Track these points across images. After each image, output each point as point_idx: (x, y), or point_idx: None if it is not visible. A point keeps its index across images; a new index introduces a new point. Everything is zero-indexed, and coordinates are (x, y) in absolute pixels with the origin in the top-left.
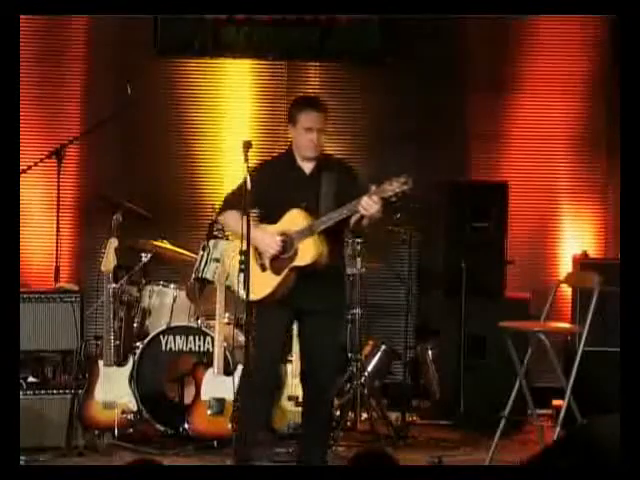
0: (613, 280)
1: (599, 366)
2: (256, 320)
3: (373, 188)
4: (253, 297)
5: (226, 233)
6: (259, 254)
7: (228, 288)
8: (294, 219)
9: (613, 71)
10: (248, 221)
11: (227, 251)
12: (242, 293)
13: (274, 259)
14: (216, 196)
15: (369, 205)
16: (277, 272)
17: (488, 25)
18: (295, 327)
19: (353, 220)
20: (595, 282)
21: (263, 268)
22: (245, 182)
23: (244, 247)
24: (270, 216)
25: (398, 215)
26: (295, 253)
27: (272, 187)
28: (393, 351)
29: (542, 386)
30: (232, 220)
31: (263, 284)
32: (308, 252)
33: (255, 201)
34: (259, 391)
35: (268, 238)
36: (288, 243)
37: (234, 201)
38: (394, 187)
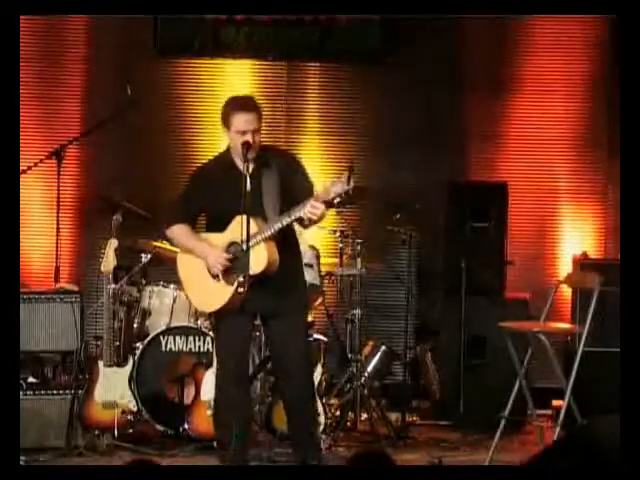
0: (613, 280)
1: (599, 366)
2: (216, 331)
3: (317, 191)
4: (209, 308)
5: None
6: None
7: None
8: (242, 226)
9: (613, 71)
10: (248, 221)
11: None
12: (196, 304)
13: (225, 269)
14: None
15: (314, 211)
16: (230, 282)
17: (487, 25)
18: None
19: (303, 224)
20: (595, 282)
21: (216, 278)
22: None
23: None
24: (217, 221)
25: (398, 215)
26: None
27: (213, 191)
28: (393, 351)
29: (542, 386)
30: (179, 235)
31: (217, 295)
32: (259, 261)
33: (197, 208)
34: (230, 405)
35: (213, 255)
36: (237, 252)
37: (179, 212)
38: (337, 189)
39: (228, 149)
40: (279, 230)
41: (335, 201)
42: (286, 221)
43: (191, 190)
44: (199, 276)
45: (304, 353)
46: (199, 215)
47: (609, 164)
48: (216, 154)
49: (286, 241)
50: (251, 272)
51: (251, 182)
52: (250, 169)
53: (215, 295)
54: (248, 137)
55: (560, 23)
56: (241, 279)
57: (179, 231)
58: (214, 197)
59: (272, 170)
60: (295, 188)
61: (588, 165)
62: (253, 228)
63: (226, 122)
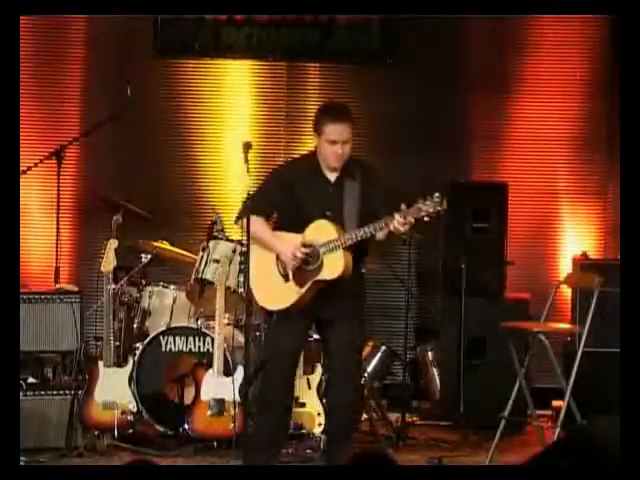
0: (613, 281)
1: (599, 366)
2: (273, 329)
3: (403, 206)
4: (274, 307)
5: (227, 234)
6: (282, 263)
7: (228, 289)
8: (320, 230)
9: (613, 71)
10: (248, 222)
11: (226, 259)
12: (261, 301)
13: (298, 270)
14: (216, 197)
15: (401, 225)
16: (300, 284)
17: (488, 25)
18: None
19: (381, 235)
20: (595, 283)
21: (286, 279)
22: (273, 177)
23: (261, 252)
24: (291, 222)
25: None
26: (320, 266)
27: (295, 192)
28: (393, 352)
29: (542, 387)
30: (255, 227)
31: (285, 295)
32: (335, 266)
33: (276, 204)
34: (274, 406)
35: (291, 249)
36: (314, 255)
37: (257, 204)
38: (428, 207)
39: (315, 153)
40: (355, 241)
41: (424, 220)
42: (370, 232)
43: (272, 186)
44: (268, 272)
45: (354, 360)
46: (274, 212)
47: (609, 164)
48: (303, 154)
49: (359, 254)
50: (327, 277)
51: (334, 190)
52: (334, 178)
53: (282, 294)
54: (337, 147)
55: (560, 23)
56: (312, 282)
57: (256, 222)
58: (294, 197)
59: (356, 180)
60: (377, 203)
61: (588, 165)
62: (333, 234)
63: (318, 129)
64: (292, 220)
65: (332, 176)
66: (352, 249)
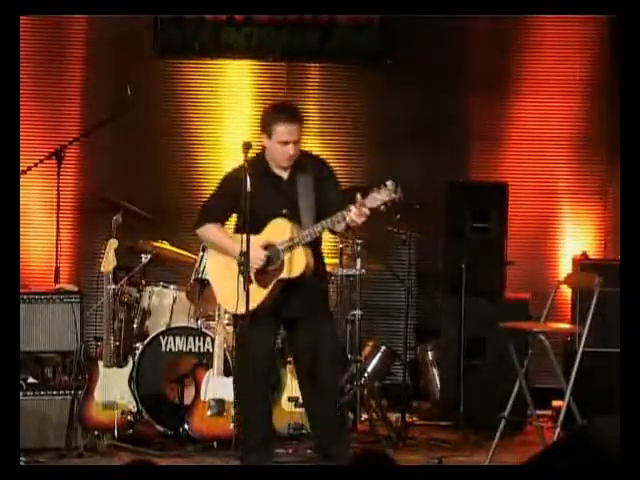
0: (613, 281)
1: (599, 366)
2: (241, 333)
3: (359, 197)
4: (240, 310)
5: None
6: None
7: None
8: (278, 229)
9: (613, 71)
10: (247, 223)
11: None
12: (226, 306)
13: (259, 271)
14: None
15: (358, 216)
16: (263, 285)
17: (488, 25)
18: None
19: (339, 227)
20: (595, 283)
21: (249, 281)
22: (226, 182)
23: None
24: (249, 224)
25: (398, 216)
26: (281, 265)
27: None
28: (393, 352)
29: (542, 387)
30: (212, 234)
31: (249, 297)
32: (296, 264)
33: (231, 210)
34: (253, 406)
35: (252, 253)
36: (274, 255)
37: (213, 211)
38: (383, 196)
39: (263, 153)
40: (314, 237)
41: (380, 209)
42: (327, 226)
43: (224, 191)
44: (231, 277)
45: (332, 356)
46: (230, 216)
47: (609, 164)
48: (250, 157)
49: (317, 249)
50: (290, 276)
51: (287, 187)
52: (286, 175)
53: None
54: (289, 147)
55: (560, 23)
56: (276, 281)
57: (212, 230)
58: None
59: (307, 176)
60: (330, 195)
61: (588, 165)
62: (291, 232)
63: (267, 130)
64: (250, 223)
65: (284, 173)
66: (311, 245)
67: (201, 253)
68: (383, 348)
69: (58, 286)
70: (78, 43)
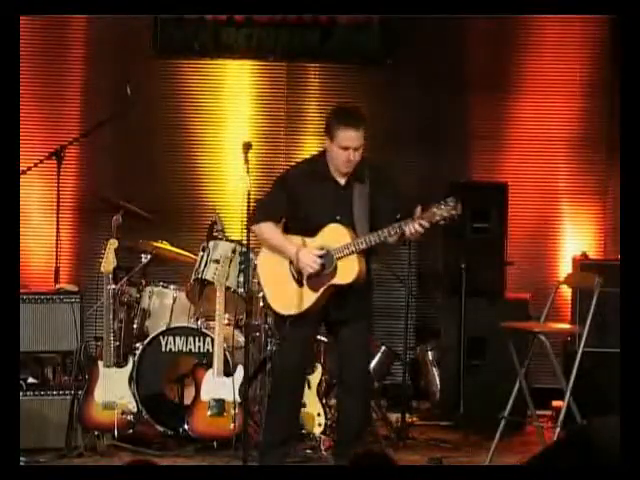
0: (613, 281)
1: (599, 366)
2: (286, 334)
3: (418, 211)
4: (288, 312)
5: (227, 235)
6: (296, 268)
7: (228, 289)
8: (334, 234)
9: (613, 71)
10: (248, 223)
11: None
12: (275, 306)
13: (312, 275)
14: (216, 197)
15: (416, 230)
16: (315, 289)
17: (488, 25)
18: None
19: (392, 238)
20: (595, 283)
21: (300, 283)
22: (284, 182)
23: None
24: (300, 226)
25: (398, 216)
26: (334, 270)
27: (305, 197)
28: (393, 352)
29: (542, 387)
30: (268, 233)
31: (299, 300)
32: (349, 271)
33: (286, 209)
34: (284, 405)
35: (308, 256)
36: (327, 259)
37: (270, 209)
38: (443, 212)
39: (324, 155)
40: (369, 245)
41: (439, 223)
42: (385, 236)
43: (281, 191)
44: (281, 278)
45: (365, 360)
46: (283, 218)
47: (609, 164)
48: (310, 157)
49: (369, 257)
50: (342, 282)
51: (344, 194)
52: (343, 181)
53: (297, 299)
54: (349, 153)
55: (560, 23)
56: (327, 287)
57: (268, 229)
58: (304, 201)
59: (364, 183)
60: (386, 205)
61: (588, 165)
62: (346, 238)
63: (330, 133)
64: (301, 225)
65: (341, 179)
66: (364, 252)
67: (201, 253)
68: (383, 348)
69: (58, 286)
70: (78, 43)
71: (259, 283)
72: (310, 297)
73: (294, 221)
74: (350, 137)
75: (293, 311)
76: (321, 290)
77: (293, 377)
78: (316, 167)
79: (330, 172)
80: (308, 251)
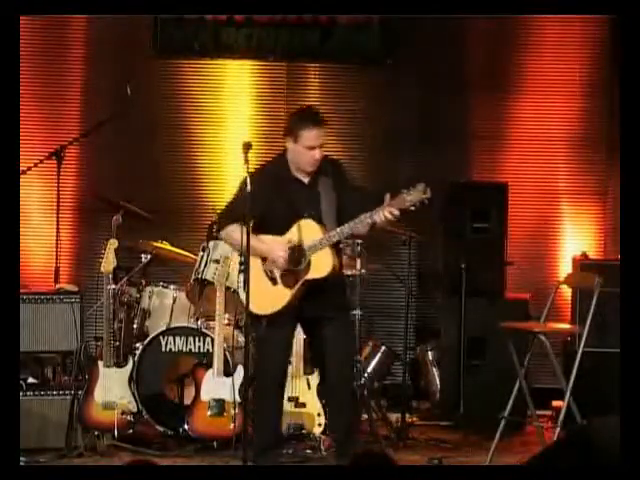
0: (613, 281)
1: (599, 366)
2: (263, 333)
3: (387, 198)
4: (265, 311)
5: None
6: (269, 267)
7: (228, 289)
8: (305, 230)
9: (613, 71)
10: (248, 225)
11: (226, 260)
12: (251, 307)
13: (285, 272)
14: (216, 197)
15: (387, 217)
16: (289, 285)
17: (488, 25)
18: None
19: (363, 228)
20: (595, 283)
21: (274, 282)
22: (245, 184)
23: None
24: (270, 228)
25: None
26: (308, 265)
27: (271, 199)
28: (393, 352)
29: (542, 387)
30: (236, 234)
31: (275, 298)
32: (323, 265)
33: (254, 213)
34: (269, 406)
35: (277, 247)
36: (301, 255)
37: (233, 214)
38: (413, 197)
39: (284, 155)
40: (342, 238)
41: (410, 209)
42: (356, 227)
43: (246, 194)
44: (255, 277)
45: (351, 354)
46: (251, 220)
47: (609, 164)
48: (268, 161)
49: (339, 250)
50: (316, 276)
51: (309, 191)
52: (307, 179)
53: (272, 298)
54: (315, 152)
55: (560, 23)
56: (302, 282)
57: (236, 231)
58: (269, 202)
59: (327, 178)
60: (351, 198)
61: (588, 165)
62: (318, 233)
63: (292, 134)
64: (271, 226)
65: (305, 178)
66: (335, 245)
67: (201, 253)
68: (383, 348)
69: (58, 286)
70: (78, 43)
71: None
72: (285, 294)
73: (261, 224)
74: (314, 136)
75: (269, 310)
76: (296, 286)
77: (275, 377)
78: (277, 170)
79: (292, 173)
80: (277, 247)
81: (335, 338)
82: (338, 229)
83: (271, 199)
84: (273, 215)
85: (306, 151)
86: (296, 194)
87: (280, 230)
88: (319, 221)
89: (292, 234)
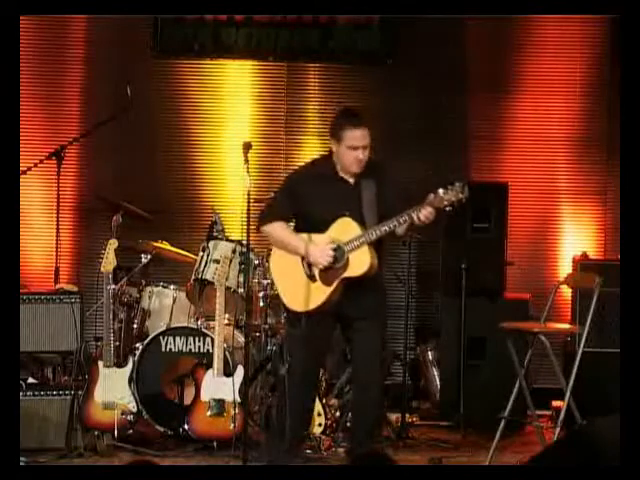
0: (613, 281)
1: (599, 366)
2: (302, 331)
3: (431, 197)
4: (303, 308)
5: (227, 235)
6: (308, 264)
7: (228, 289)
8: (344, 228)
9: (613, 71)
10: (248, 223)
11: (226, 260)
12: (290, 304)
13: (324, 270)
14: (216, 197)
15: (429, 216)
16: (327, 283)
17: (488, 25)
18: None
19: (402, 228)
20: (595, 283)
21: (313, 279)
22: (288, 183)
23: (303, 258)
24: (312, 227)
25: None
26: (347, 263)
27: (316, 198)
28: (393, 352)
29: (542, 387)
30: (278, 232)
31: (313, 295)
32: (361, 263)
33: (296, 211)
34: (300, 405)
35: (320, 251)
36: (339, 253)
37: (279, 209)
38: (450, 196)
39: (330, 156)
40: (380, 236)
41: (447, 209)
42: (394, 225)
43: (289, 193)
44: (294, 275)
45: (379, 357)
46: (293, 217)
47: (609, 164)
48: (313, 160)
49: (380, 250)
50: (354, 274)
51: (353, 192)
52: (352, 180)
53: (310, 295)
54: (358, 153)
55: (560, 23)
56: (340, 280)
57: (278, 228)
58: (313, 201)
59: (371, 181)
60: (393, 199)
61: (588, 165)
62: (356, 231)
63: (337, 134)
64: (311, 225)
65: (351, 179)
66: (375, 245)
67: (201, 253)
68: None
69: (58, 286)
70: (78, 43)
71: (272, 283)
72: (324, 292)
73: (304, 222)
74: (358, 136)
75: (308, 307)
76: (334, 284)
77: (311, 375)
78: (322, 169)
79: (338, 173)
80: (318, 245)
81: (369, 339)
82: (376, 228)
83: (315, 198)
84: (316, 214)
85: (349, 152)
86: (340, 194)
87: (321, 229)
88: (360, 220)
89: (331, 232)
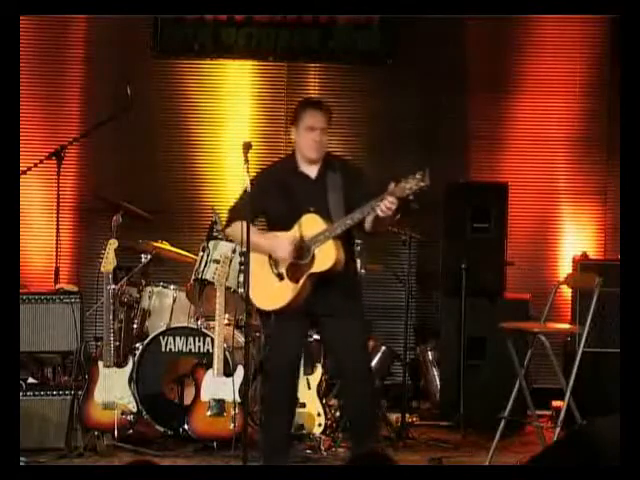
0: (613, 281)
1: (599, 366)
2: (272, 330)
3: (392, 186)
4: (272, 307)
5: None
6: (275, 263)
7: (228, 289)
8: (308, 224)
9: (613, 71)
10: (248, 224)
11: (226, 260)
12: (259, 304)
13: (290, 267)
14: (216, 197)
15: (390, 206)
16: (295, 280)
17: (488, 25)
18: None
19: (368, 222)
20: (595, 283)
21: (280, 277)
22: (251, 182)
23: (252, 250)
24: (278, 224)
25: (398, 216)
26: (312, 259)
27: (277, 194)
28: (393, 352)
29: (542, 387)
30: (239, 232)
31: (281, 293)
32: (326, 258)
33: (260, 209)
34: (279, 406)
35: (282, 243)
36: (304, 249)
37: (239, 211)
38: (412, 185)
39: (293, 154)
40: (348, 228)
41: (410, 198)
42: (358, 218)
43: (254, 190)
44: (262, 274)
45: (360, 353)
46: (259, 216)
47: (609, 164)
48: (280, 158)
49: (348, 245)
50: (320, 269)
51: (316, 186)
52: (314, 174)
53: (278, 293)
54: (315, 134)
55: (560, 22)
56: (307, 276)
57: (239, 227)
58: (276, 199)
59: (336, 174)
60: (359, 194)
61: (588, 165)
62: (321, 226)
63: (296, 119)
64: (277, 222)
65: (312, 172)
66: (342, 240)
67: (201, 253)
68: (383, 348)
69: (58, 286)
70: (78, 43)
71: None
72: (292, 289)
73: (270, 220)
74: (314, 116)
75: (276, 306)
76: (301, 281)
77: (288, 374)
78: (285, 164)
79: (299, 167)
80: (281, 240)
81: (345, 339)
82: (339, 222)
83: (276, 195)
84: (279, 211)
85: (306, 133)
86: (301, 189)
87: (287, 226)
88: (326, 216)
89: (296, 229)
